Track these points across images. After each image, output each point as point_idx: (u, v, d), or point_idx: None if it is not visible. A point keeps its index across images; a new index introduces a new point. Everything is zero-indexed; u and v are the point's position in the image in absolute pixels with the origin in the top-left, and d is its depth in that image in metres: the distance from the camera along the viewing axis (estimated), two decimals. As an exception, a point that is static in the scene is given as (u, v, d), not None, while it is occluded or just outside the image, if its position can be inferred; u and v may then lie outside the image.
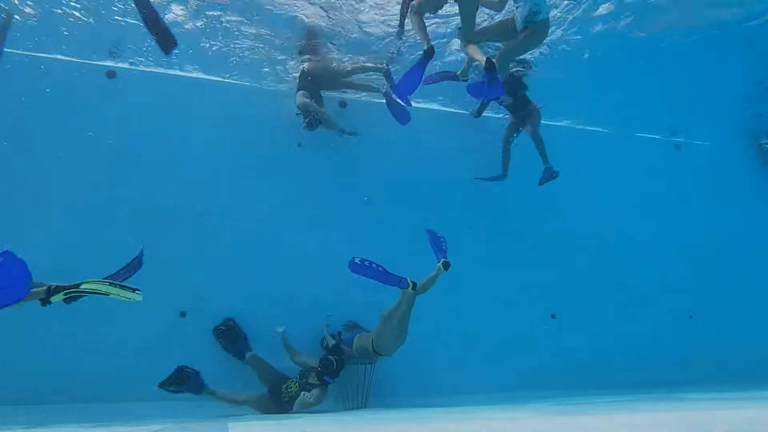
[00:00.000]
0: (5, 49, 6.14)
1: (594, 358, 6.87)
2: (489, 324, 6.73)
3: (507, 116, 7.54)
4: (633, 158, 8.51)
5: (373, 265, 5.13)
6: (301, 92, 6.66)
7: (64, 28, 6.41)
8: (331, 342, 5.59)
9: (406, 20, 5.95)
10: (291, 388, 5.38)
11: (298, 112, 6.65)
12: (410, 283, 5.16)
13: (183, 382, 5.18)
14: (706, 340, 7.46)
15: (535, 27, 4.98)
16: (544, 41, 5.90)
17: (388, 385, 6.08)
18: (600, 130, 8.66)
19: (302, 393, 5.21)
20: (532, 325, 7.04)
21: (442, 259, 5.36)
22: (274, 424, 3.57)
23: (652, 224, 8.11)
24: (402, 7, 6.23)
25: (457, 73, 6.21)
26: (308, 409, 5.09)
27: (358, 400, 5.66)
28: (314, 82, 6.88)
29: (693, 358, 7.19)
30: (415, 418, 3.96)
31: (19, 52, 6.21)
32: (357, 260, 5.12)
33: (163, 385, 5.13)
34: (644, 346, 7.23)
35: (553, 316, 7.26)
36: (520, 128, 7.27)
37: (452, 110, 8.01)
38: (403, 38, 6.74)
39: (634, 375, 6.86)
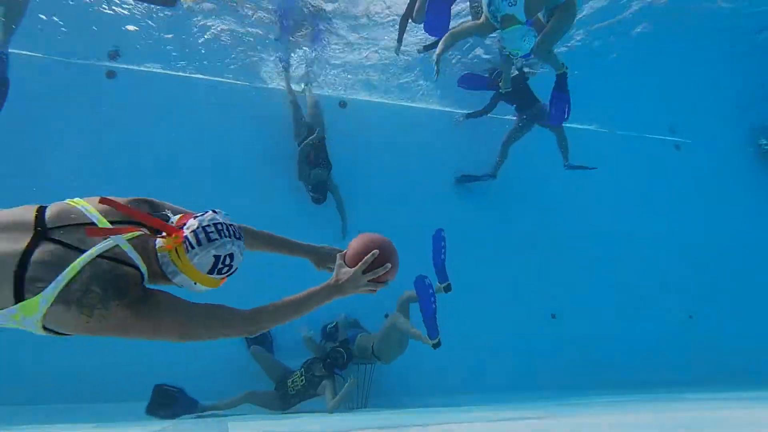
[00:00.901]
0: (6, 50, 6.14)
1: (594, 358, 6.86)
2: (489, 324, 6.73)
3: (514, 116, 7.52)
4: (633, 158, 8.50)
5: (432, 298, 5.08)
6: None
7: (64, 28, 6.42)
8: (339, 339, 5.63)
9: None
10: (296, 382, 5.39)
11: (309, 189, 6.44)
12: (437, 339, 5.07)
13: (169, 402, 5.08)
14: (706, 340, 7.45)
15: (560, 8, 5.00)
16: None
17: (388, 385, 6.08)
18: (600, 129, 8.66)
19: (324, 382, 5.25)
20: (532, 325, 7.04)
21: (446, 282, 5.32)
22: (274, 424, 3.57)
23: (652, 224, 8.10)
24: (401, 26, 6.33)
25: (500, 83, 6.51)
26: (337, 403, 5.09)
27: (358, 400, 5.66)
28: (311, 152, 6.58)
29: (693, 358, 7.19)
30: (416, 419, 3.97)
31: (19, 52, 6.21)
32: (427, 281, 5.07)
33: (151, 411, 5.02)
34: (644, 346, 7.22)
35: (553, 316, 7.25)
36: (530, 127, 7.25)
37: (453, 111, 8.00)
38: (400, 54, 6.80)
39: (634, 375, 6.86)
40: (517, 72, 7.11)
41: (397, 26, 6.52)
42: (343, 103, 7.45)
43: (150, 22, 6.64)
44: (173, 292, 1.76)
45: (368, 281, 1.87)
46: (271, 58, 7.40)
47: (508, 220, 7.44)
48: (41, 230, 1.62)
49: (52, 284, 1.55)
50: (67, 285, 1.55)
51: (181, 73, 7.11)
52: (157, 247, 1.73)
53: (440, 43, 5.36)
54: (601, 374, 6.74)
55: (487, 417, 3.62)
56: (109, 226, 1.68)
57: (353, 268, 1.86)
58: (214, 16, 6.72)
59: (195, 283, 1.79)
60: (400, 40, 6.41)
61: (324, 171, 6.37)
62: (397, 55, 6.72)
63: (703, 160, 8.96)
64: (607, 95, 8.33)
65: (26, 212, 1.67)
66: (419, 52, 7.10)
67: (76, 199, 1.76)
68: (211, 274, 1.78)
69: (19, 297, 1.56)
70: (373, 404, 5.72)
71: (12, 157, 5.85)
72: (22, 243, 1.58)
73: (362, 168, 6.87)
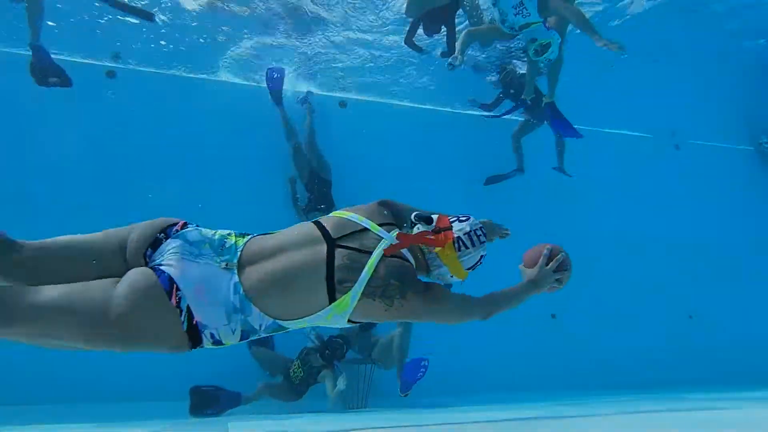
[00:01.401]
0: (5, 50, 6.14)
1: (594, 358, 6.86)
2: (489, 324, 6.70)
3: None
4: (633, 158, 8.49)
5: (420, 373, 5.27)
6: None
7: (63, 28, 6.41)
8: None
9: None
10: (296, 372, 5.41)
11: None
12: (406, 394, 5.32)
13: (212, 401, 5.13)
14: (706, 340, 7.45)
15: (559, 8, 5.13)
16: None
17: (388, 385, 6.07)
18: (600, 130, 8.65)
19: (325, 377, 5.29)
20: (532, 325, 7.03)
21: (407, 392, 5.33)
22: (274, 425, 3.57)
23: (652, 224, 8.09)
24: (410, 46, 6.51)
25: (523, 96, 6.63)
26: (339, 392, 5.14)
27: (358, 400, 5.66)
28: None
29: (693, 358, 7.18)
30: (415, 419, 3.97)
31: (18, 51, 6.20)
32: (423, 362, 5.26)
33: (195, 412, 5.06)
34: (644, 346, 7.22)
35: (553, 316, 7.24)
36: (537, 124, 7.29)
37: (454, 111, 8.00)
38: (424, 51, 6.86)
39: (634, 375, 6.85)
40: (521, 73, 7.14)
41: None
42: (343, 103, 7.44)
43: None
44: None
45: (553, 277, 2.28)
46: (268, 60, 7.39)
47: (507, 219, 7.39)
48: (331, 240, 1.92)
49: (358, 283, 1.85)
50: (368, 282, 1.85)
51: (180, 73, 7.11)
52: (424, 245, 2.05)
53: (458, 44, 5.46)
54: (600, 374, 6.74)
55: (486, 417, 3.62)
56: (375, 226, 1.99)
57: (544, 267, 2.32)
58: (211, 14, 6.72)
59: (451, 276, 2.11)
60: (418, 50, 6.61)
61: (325, 214, 6.33)
62: (421, 53, 6.84)
63: (703, 160, 8.95)
64: (607, 95, 8.32)
65: (309, 228, 1.99)
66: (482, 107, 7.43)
67: (340, 211, 2.08)
68: (468, 269, 2.13)
69: (331, 298, 1.86)
70: (373, 404, 5.72)
71: (10, 158, 5.85)
72: (322, 253, 1.88)
73: (362, 169, 6.86)
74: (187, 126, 6.54)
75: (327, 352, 5.30)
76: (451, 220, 2.10)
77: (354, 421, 3.98)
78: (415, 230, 2.10)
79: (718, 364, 7.10)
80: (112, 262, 1.84)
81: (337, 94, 7.58)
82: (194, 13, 6.67)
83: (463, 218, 2.13)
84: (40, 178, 5.87)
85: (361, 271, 1.85)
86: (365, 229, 1.97)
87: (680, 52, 8.07)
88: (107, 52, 6.67)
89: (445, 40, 6.14)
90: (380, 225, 2.02)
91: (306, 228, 1.99)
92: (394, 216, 2.12)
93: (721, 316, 7.83)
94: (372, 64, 7.73)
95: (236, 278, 1.83)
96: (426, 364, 5.33)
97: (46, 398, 5.10)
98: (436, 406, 5.27)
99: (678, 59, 8.18)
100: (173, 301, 1.73)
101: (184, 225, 2.00)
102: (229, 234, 1.98)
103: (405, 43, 6.38)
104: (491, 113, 7.53)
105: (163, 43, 6.89)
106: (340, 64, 7.66)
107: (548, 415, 3.59)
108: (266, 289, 1.84)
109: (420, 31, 6.32)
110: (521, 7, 4.92)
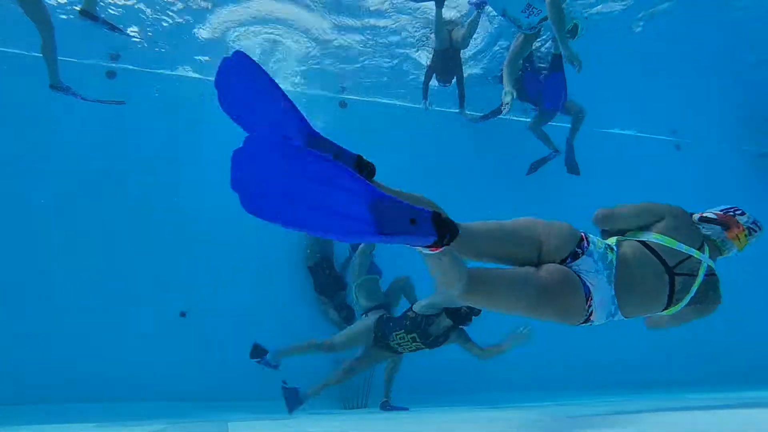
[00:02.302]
0: (3, 49, 6.14)
1: (594, 359, 6.85)
2: (489, 324, 6.70)
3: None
4: (633, 158, 8.48)
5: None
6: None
7: (60, 30, 6.41)
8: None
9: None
10: (407, 343, 5.16)
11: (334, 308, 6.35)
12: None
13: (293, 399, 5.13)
14: (706, 340, 7.44)
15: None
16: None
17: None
18: (599, 129, 8.66)
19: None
20: (533, 326, 7.02)
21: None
22: (274, 425, 3.57)
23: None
24: (425, 82, 6.96)
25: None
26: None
27: (358, 400, 5.66)
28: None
29: (693, 358, 7.18)
30: (415, 418, 3.97)
31: (17, 51, 6.21)
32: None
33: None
34: (644, 346, 7.22)
35: (553, 316, 7.25)
36: (552, 115, 7.30)
37: (455, 110, 7.99)
38: (428, 107, 7.14)
39: (633, 375, 6.85)
40: (528, 67, 7.15)
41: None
42: (343, 103, 7.44)
43: (151, 23, 6.64)
44: None
45: None
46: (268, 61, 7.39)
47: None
48: (669, 270, 2.48)
49: (686, 298, 2.56)
50: (693, 297, 2.57)
51: (183, 74, 7.11)
52: (721, 238, 2.77)
53: (505, 77, 5.55)
54: (600, 374, 6.74)
55: (487, 417, 3.62)
56: (696, 251, 2.57)
57: None
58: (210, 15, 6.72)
59: (737, 251, 2.91)
60: (425, 97, 6.98)
61: (340, 293, 6.30)
62: (426, 109, 7.20)
63: (704, 160, 8.95)
64: (607, 95, 8.32)
65: (651, 257, 2.49)
66: (479, 120, 7.50)
67: (664, 238, 2.56)
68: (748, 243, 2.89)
69: (665, 307, 2.54)
70: (373, 404, 5.72)
71: (9, 159, 5.85)
72: (666, 281, 2.48)
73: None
74: (189, 127, 6.54)
75: (458, 318, 5.20)
76: (731, 214, 2.80)
77: (354, 421, 3.98)
78: (703, 230, 2.73)
79: (718, 364, 7.10)
80: (528, 254, 2.47)
81: (337, 95, 7.58)
82: (192, 11, 6.67)
83: (740, 212, 2.84)
84: (42, 181, 5.87)
85: (690, 290, 2.53)
86: (690, 256, 2.53)
87: (681, 51, 8.06)
88: (105, 53, 6.68)
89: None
90: (697, 248, 2.60)
91: (648, 257, 2.49)
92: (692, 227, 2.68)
93: (720, 316, 7.78)
94: (373, 65, 7.72)
95: (613, 291, 2.36)
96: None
97: (46, 398, 5.10)
98: (436, 406, 5.27)
99: (679, 58, 8.18)
100: (587, 304, 2.30)
101: (585, 237, 2.50)
102: (607, 247, 2.47)
103: (423, 86, 6.92)
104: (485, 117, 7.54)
105: (168, 39, 6.88)
106: (341, 64, 7.66)
107: (548, 415, 3.59)
108: (631, 301, 2.41)
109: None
110: (530, 8, 4.99)
